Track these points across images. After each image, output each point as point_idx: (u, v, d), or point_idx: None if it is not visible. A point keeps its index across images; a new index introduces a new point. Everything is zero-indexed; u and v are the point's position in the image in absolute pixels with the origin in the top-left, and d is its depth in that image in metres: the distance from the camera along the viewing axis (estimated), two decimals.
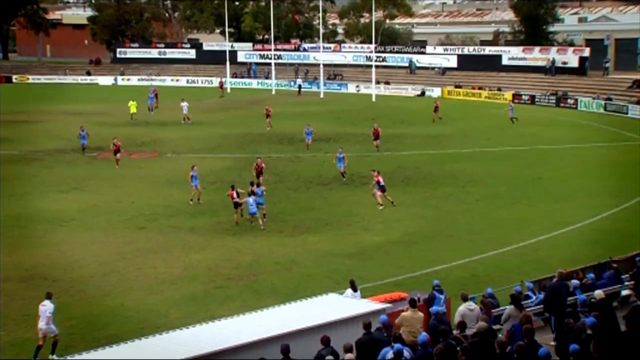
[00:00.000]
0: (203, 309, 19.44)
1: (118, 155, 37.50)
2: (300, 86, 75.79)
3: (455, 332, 13.15)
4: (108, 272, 22.72)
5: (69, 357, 12.37)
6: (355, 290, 17.21)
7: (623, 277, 18.31)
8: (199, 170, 31.07)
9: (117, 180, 35.40)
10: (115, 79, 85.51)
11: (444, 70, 76.75)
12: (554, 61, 70.10)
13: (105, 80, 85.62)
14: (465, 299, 14.93)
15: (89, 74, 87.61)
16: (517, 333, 12.73)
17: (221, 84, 72.91)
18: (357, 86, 76.78)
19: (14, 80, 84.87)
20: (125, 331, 18.01)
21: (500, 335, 13.23)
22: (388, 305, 15.28)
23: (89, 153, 41.33)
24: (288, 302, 15.46)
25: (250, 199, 27.60)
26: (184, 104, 53.56)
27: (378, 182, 29.59)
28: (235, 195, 28.42)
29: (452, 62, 76.94)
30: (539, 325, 15.86)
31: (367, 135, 42.72)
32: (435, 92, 71.52)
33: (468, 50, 77.67)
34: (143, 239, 26.16)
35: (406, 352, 11.65)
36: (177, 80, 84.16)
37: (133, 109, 54.60)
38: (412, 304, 14.40)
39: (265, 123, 49.84)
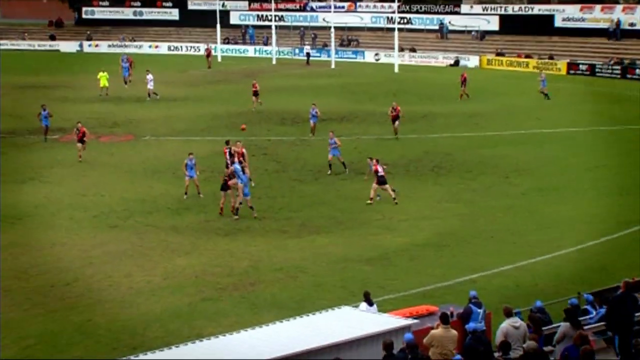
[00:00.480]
0: (188, 326, 19.48)
1: (83, 144, 36.51)
2: (309, 54, 75.77)
3: (496, 354, 13.16)
4: (72, 281, 22.76)
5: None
6: (371, 304, 17.26)
7: None
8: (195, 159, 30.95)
9: (84, 169, 35.48)
10: (81, 45, 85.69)
11: (483, 35, 76.50)
12: (619, 22, 69.75)
13: (68, 46, 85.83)
14: (509, 314, 14.94)
15: (53, 38, 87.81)
16: (573, 355, 12.71)
17: (208, 52, 72.91)
18: (376, 54, 76.68)
19: None
20: (93, 352, 18.11)
21: (552, 359, 13.23)
22: (414, 321, 15.34)
23: (51, 136, 41.41)
24: (292, 317, 15.51)
25: (237, 165, 28.56)
26: (149, 77, 53.58)
27: (376, 171, 29.63)
28: (228, 155, 29.12)
29: (493, 24, 76.66)
30: (600, 347, 15.86)
31: (388, 115, 42.62)
32: (471, 62, 71.29)
33: (512, 9, 77.35)
34: (115, 240, 26.18)
35: None
36: (157, 46, 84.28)
37: (104, 82, 54.62)
38: (444, 319, 14.43)
39: (262, 103, 49.39)
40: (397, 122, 40.70)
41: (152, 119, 47.25)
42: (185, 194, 30.56)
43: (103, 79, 54.69)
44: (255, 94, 49.53)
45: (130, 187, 32.63)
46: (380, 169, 29.72)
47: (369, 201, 29.59)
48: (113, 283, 22.54)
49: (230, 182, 28.61)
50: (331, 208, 29.54)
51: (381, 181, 29.61)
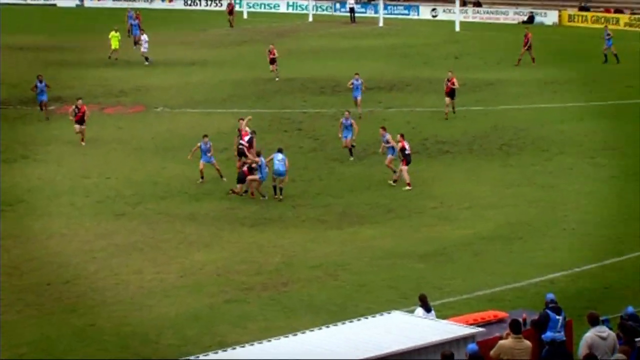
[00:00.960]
0: (209, 332, 19.60)
1: (82, 126, 35.61)
2: (352, 10, 75.32)
3: None
4: (72, 278, 22.96)
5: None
6: (428, 309, 17.24)
7: None
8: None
9: (85, 146, 35.71)
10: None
11: None
12: None
13: (65, 0, 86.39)
14: (594, 321, 14.84)
15: None
16: None
17: (231, 8, 72.86)
18: (434, 10, 76.21)
19: None
20: None
21: None
22: (479, 329, 15.36)
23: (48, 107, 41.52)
24: (332, 323, 15.51)
25: (263, 159, 28.95)
26: (144, 38, 53.55)
27: (403, 149, 29.53)
28: (247, 141, 30.33)
29: None
30: None
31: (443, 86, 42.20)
32: (549, 18, 70.57)
33: None
34: (122, 231, 26.38)
35: None
36: (171, 1, 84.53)
37: (115, 44, 54.48)
38: (515, 328, 14.40)
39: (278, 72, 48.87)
40: (452, 99, 39.25)
41: (165, 86, 47.40)
42: (202, 178, 30.54)
43: (114, 39, 54.51)
44: (273, 61, 48.93)
45: (140, 168, 32.82)
46: (407, 145, 29.70)
47: (407, 187, 29.44)
48: (120, 281, 22.71)
49: (249, 177, 28.82)
50: (377, 194, 29.50)
51: (409, 160, 29.58)
